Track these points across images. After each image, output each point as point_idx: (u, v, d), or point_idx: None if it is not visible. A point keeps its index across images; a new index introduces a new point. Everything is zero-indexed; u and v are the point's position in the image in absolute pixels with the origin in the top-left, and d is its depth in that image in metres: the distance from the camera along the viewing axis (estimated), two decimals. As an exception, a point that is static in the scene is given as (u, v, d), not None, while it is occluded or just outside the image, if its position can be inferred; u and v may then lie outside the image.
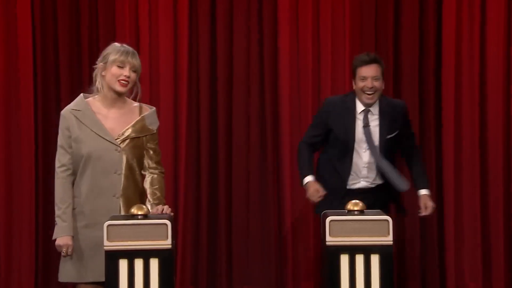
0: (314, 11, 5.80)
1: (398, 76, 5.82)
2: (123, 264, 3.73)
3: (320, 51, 5.83)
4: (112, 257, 3.72)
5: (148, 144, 3.62)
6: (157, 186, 3.68)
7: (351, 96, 4.55)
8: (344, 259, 3.82)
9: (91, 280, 3.54)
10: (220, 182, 5.79)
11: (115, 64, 3.48)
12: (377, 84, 4.41)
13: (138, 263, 3.73)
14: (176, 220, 5.54)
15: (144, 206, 3.72)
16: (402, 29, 5.81)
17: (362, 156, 4.50)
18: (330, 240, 3.80)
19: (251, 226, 5.80)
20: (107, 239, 3.72)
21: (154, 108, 3.72)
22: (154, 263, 3.72)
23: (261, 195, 5.79)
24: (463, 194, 5.77)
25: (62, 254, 3.52)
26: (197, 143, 5.82)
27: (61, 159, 3.50)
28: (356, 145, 4.48)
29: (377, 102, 4.49)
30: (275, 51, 5.81)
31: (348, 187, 4.53)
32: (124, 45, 3.61)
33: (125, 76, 3.48)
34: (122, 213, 3.56)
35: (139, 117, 3.60)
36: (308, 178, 4.55)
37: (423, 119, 5.79)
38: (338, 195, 4.45)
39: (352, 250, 3.81)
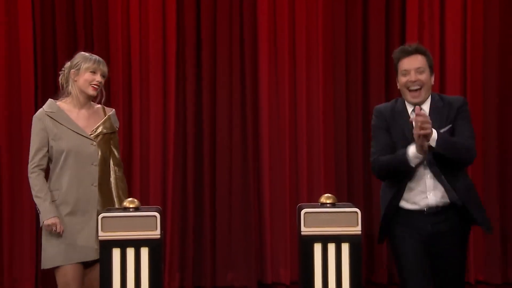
0: (290, 25, 5.86)
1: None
2: (116, 252, 3.75)
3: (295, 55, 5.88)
4: (106, 246, 3.74)
5: (112, 142, 3.79)
6: (121, 187, 3.79)
7: (400, 100, 3.62)
8: (318, 248, 3.85)
9: (77, 260, 3.60)
10: (205, 177, 5.80)
11: (88, 71, 3.66)
12: (422, 77, 3.48)
13: (130, 252, 3.75)
14: (164, 212, 5.57)
15: (135, 200, 3.77)
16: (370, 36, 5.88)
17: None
18: (304, 230, 3.84)
19: (233, 217, 5.82)
20: (102, 230, 3.74)
21: (114, 110, 3.90)
22: (144, 252, 3.74)
23: (242, 188, 5.82)
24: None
25: (52, 231, 3.56)
26: (184, 141, 5.83)
27: (35, 157, 3.61)
28: None
29: (429, 99, 3.55)
30: (255, 54, 5.84)
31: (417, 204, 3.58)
32: (92, 54, 3.78)
33: (97, 81, 3.67)
34: (100, 200, 3.64)
35: (106, 116, 3.78)
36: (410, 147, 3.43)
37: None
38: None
39: (325, 240, 3.84)
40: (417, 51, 3.50)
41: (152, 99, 5.81)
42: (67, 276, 3.58)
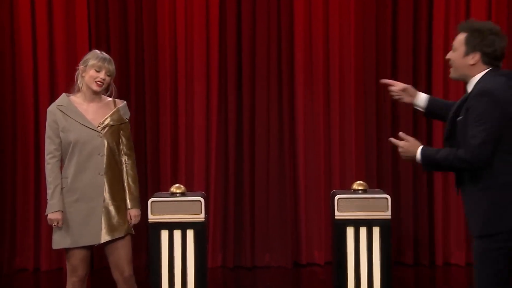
0: (324, 18, 5.72)
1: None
2: (164, 234, 3.73)
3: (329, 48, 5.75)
4: (155, 229, 3.72)
5: (122, 132, 3.69)
6: (131, 175, 3.68)
7: None
8: (350, 231, 3.79)
9: (84, 244, 3.54)
10: (245, 166, 5.71)
11: (94, 68, 3.58)
12: (450, 55, 3.05)
13: (177, 234, 3.73)
14: (208, 198, 5.51)
15: (182, 186, 3.72)
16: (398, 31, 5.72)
17: None
18: (338, 214, 3.78)
19: (271, 203, 5.74)
20: (151, 213, 3.73)
21: (125, 102, 3.80)
22: (190, 234, 3.72)
23: (279, 176, 5.72)
24: (451, 175, 5.68)
25: (54, 226, 3.54)
26: (225, 134, 5.75)
27: (49, 148, 3.56)
28: None
29: (473, 81, 2.97)
30: (291, 51, 5.73)
31: None
32: (103, 52, 3.71)
33: (101, 78, 3.59)
34: (106, 188, 3.55)
35: (115, 109, 3.69)
36: None
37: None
38: None
39: (357, 223, 3.77)
40: (459, 29, 3.04)
41: (196, 93, 5.73)
42: (74, 259, 3.54)
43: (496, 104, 2.81)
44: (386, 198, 3.76)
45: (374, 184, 5.48)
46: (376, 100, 5.70)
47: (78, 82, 3.64)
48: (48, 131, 3.57)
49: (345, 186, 5.03)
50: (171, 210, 3.72)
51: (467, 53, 2.95)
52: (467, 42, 2.96)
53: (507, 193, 2.82)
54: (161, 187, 5.54)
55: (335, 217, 3.79)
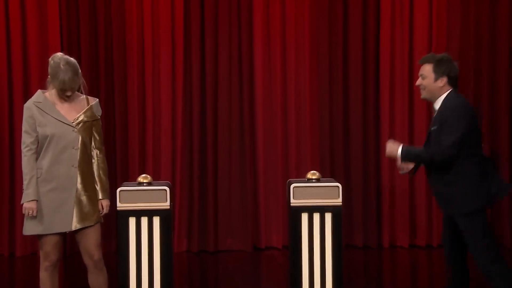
0: (281, 29, 5.79)
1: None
2: (132, 221, 3.74)
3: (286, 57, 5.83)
4: (123, 216, 3.72)
5: (94, 128, 3.70)
6: (102, 167, 3.70)
7: None
8: (304, 217, 3.84)
9: (56, 231, 3.55)
10: (208, 157, 5.76)
11: (57, 88, 3.55)
12: (422, 82, 3.67)
13: (144, 221, 3.74)
14: (174, 187, 5.53)
15: (148, 176, 3.75)
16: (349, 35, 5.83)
17: None
18: (293, 202, 3.83)
19: (233, 191, 5.79)
20: (120, 201, 3.72)
21: (97, 100, 3.79)
22: (156, 221, 3.73)
23: (240, 166, 5.77)
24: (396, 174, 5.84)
25: (26, 215, 3.53)
26: (190, 126, 5.77)
27: (26, 141, 3.56)
28: None
29: (441, 99, 3.63)
30: (250, 57, 5.78)
31: None
32: (67, 67, 3.55)
33: (67, 95, 3.59)
34: (79, 179, 3.57)
35: (88, 106, 3.69)
36: None
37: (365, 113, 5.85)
38: None
39: (310, 210, 3.83)
40: (423, 61, 3.71)
41: (162, 89, 5.74)
42: (47, 245, 3.55)
43: (464, 117, 3.50)
44: (338, 186, 3.83)
45: (328, 173, 5.59)
46: (329, 96, 5.80)
47: (49, 85, 3.61)
48: (25, 126, 3.56)
49: (301, 176, 5.12)
50: (138, 199, 3.72)
51: (436, 79, 3.61)
52: (435, 70, 3.61)
53: (471, 182, 3.54)
54: (130, 179, 5.55)
55: (291, 204, 3.83)
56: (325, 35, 5.77)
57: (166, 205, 3.73)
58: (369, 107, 5.83)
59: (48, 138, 3.53)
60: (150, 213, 3.73)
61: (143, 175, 3.84)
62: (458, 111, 3.51)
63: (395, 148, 3.63)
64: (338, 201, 3.85)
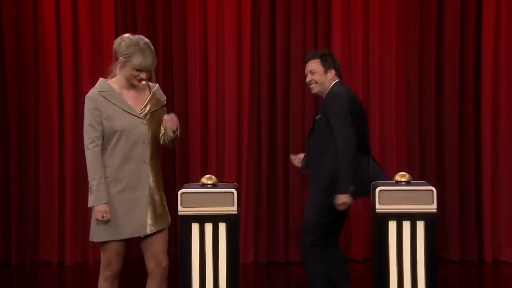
0: (363, 13, 5.72)
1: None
2: (195, 227, 3.75)
3: (369, 48, 5.75)
4: (186, 221, 3.73)
5: (162, 114, 3.66)
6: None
7: None
8: (392, 225, 3.75)
9: (128, 236, 3.55)
10: (279, 156, 5.76)
11: (136, 68, 3.52)
12: (312, 77, 4.23)
13: (208, 227, 3.74)
14: (240, 189, 5.53)
15: (213, 177, 3.74)
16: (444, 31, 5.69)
17: None
18: (379, 207, 3.75)
19: (306, 194, 5.73)
20: (181, 205, 3.73)
21: (157, 84, 3.76)
22: (222, 227, 3.72)
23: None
24: (500, 166, 5.63)
25: (100, 219, 3.51)
26: (258, 124, 5.79)
27: (91, 135, 3.51)
28: None
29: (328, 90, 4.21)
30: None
31: None
32: (147, 46, 3.55)
33: (141, 77, 3.55)
34: (151, 177, 3.58)
35: (151, 93, 3.66)
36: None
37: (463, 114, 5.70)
38: None
39: (399, 217, 3.74)
40: (309, 58, 4.26)
41: (227, 81, 5.78)
42: (110, 252, 3.54)
43: (346, 104, 4.06)
44: (432, 191, 3.72)
45: (417, 175, 5.46)
46: (420, 87, 5.70)
47: (117, 70, 3.59)
48: (89, 119, 3.51)
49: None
50: (202, 202, 3.72)
51: (325, 72, 4.19)
52: (323, 64, 4.19)
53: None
54: (190, 179, 5.60)
55: (376, 210, 3.75)
56: (416, 19, 5.66)
57: (233, 209, 3.72)
58: (468, 102, 5.67)
59: (118, 133, 3.51)
60: (215, 219, 3.73)
61: (207, 175, 3.84)
62: (340, 97, 4.10)
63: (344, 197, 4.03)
64: (433, 207, 3.74)
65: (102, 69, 5.67)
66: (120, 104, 3.54)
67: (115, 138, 3.52)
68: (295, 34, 5.75)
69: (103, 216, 3.49)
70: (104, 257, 3.57)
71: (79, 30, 5.78)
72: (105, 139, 3.54)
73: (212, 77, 5.78)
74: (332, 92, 4.16)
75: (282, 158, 5.73)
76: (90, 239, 3.63)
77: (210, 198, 3.73)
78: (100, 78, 3.63)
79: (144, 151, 3.56)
